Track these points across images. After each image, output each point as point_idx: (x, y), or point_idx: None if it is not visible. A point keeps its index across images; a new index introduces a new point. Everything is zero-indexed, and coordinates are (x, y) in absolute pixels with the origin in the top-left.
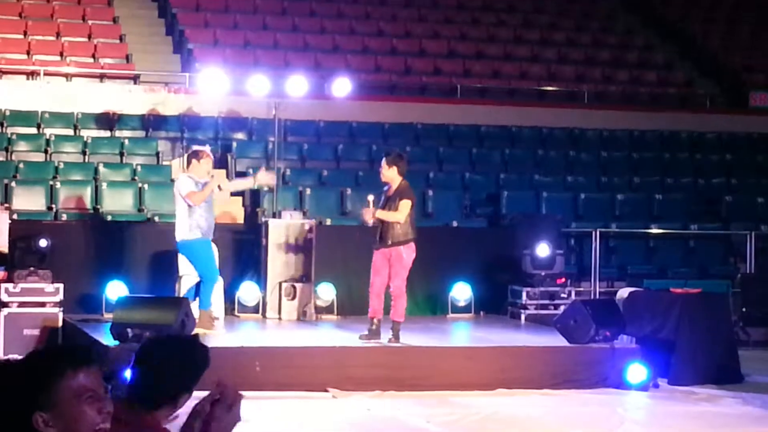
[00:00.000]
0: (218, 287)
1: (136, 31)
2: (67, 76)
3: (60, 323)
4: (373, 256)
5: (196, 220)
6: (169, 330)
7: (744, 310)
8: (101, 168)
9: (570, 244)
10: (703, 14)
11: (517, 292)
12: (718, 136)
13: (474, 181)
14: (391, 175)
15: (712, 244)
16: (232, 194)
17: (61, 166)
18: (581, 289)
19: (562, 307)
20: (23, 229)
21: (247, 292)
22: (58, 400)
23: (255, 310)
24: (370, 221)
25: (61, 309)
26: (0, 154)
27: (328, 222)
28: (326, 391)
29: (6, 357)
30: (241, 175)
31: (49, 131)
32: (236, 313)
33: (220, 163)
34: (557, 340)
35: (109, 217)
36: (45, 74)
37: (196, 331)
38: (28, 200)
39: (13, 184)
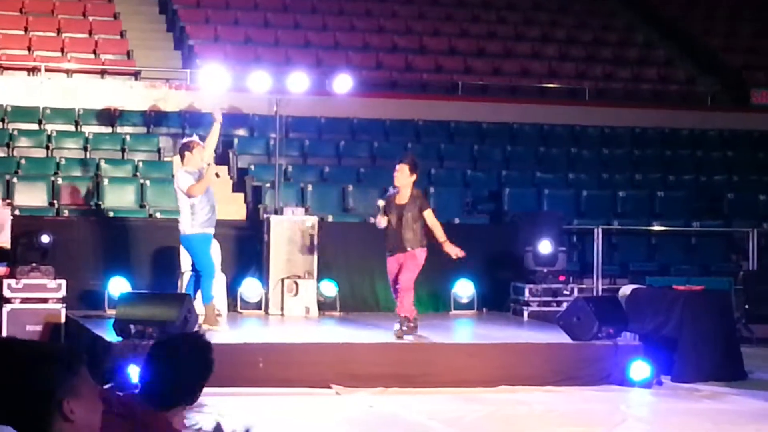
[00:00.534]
0: (220, 283)
1: (136, 27)
2: (68, 72)
3: (63, 319)
4: (389, 263)
5: (197, 215)
6: (173, 326)
7: (746, 307)
8: (102, 164)
9: (572, 241)
10: (704, 11)
11: (519, 289)
12: (719, 134)
13: (475, 178)
14: (408, 181)
15: (714, 242)
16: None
17: (63, 162)
18: (584, 286)
19: (565, 304)
20: (25, 225)
21: (250, 288)
22: (82, 389)
23: (257, 306)
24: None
25: (64, 305)
26: (1, 150)
27: (330, 218)
28: (329, 387)
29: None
30: (243, 172)
31: (50, 127)
32: (239, 309)
33: (221, 159)
34: (560, 337)
35: (111, 213)
36: (46, 70)
37: (202, 327)
38: (30, 196)
39: (15, 180)
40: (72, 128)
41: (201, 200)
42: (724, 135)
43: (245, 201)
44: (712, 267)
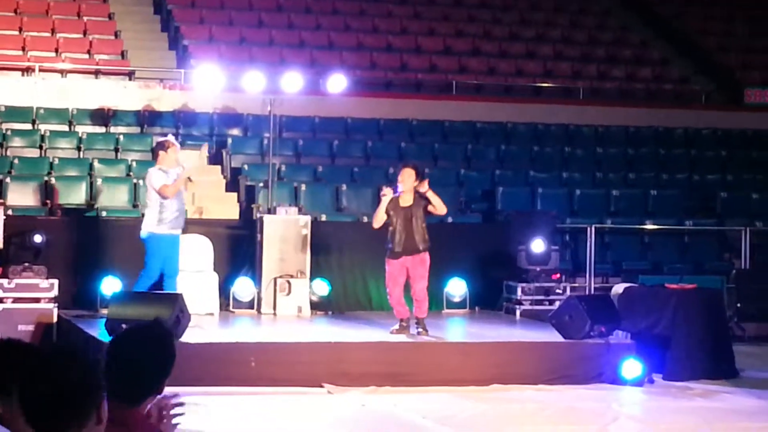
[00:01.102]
0: (212, 282)
1: (131, 27)
2: (62, 72)
3: (55, 319)
4: (392, 267)
5: (165, 215)
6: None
7: (739, 305)
8: (96, 164)
9: (565, 240)
10: (698, 11)
11: (512, 288)
12: (713, 133)
13: (469, 177)
14: (413, 186)
15: (707, 240)
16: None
17: (56, 161)
18: (576, 284)
19: (557, 303)
20: (18, 224)
21: (242, 287)
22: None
23: (250, 305)
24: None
25: (56, 305)
26: None
27: (323, 218)
28: (321, 386)
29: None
30: (236, 171)
31: (43, 127)
32: (231, 308)
33: (215, 159)
34: (552, 336)
35: (104, 213)
36: (40, 70)
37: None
38: (23, 196)
39: (8, 179)
40: (66, 128)
41: (171, 201)
42: (717, 134)
43: (238, 200)
44: (705, 265)
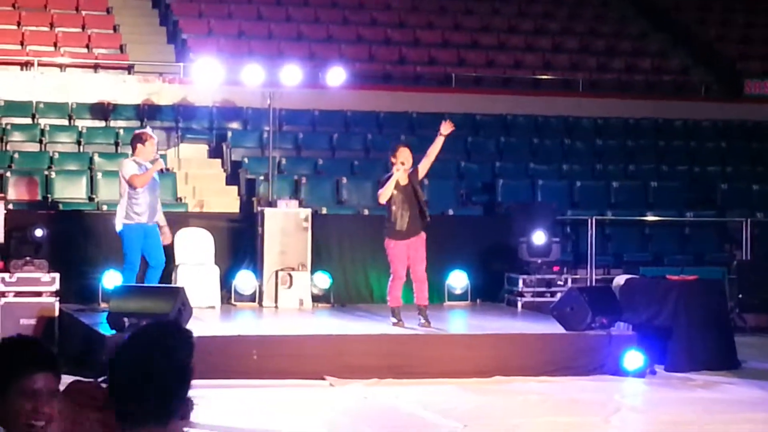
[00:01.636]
0: (214, 275)
1: (130, 21)
2: (61, 67)
3: (56, 313)
4: (396, 247)
5: (133, 206)
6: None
7: (740, 296)
8: (96, 158)
9: (566, 232)
10: (697, 1)
11: (513, 280)
12: (713, 124)
13: (469, 169)
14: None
15: (707, 232)
16: None
17: (56, 156)
18: (577, 276)
19: (559, 295)
20: (19, 219)
21: (244, 280)
22: (7, 392)
23: (251, 298)
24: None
25: (58, 298)
26: None
27: (324, 211)
28: (323, 379)
29: None
30: (237, 165)
31: (43, 121)
32: (233, 301)
33: (215, 152)
34: (554, 328)
35: (105, 207)
36: (39, 65)
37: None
38: (24, 190)
39: (8, 174)
40: (65, 122)
41: (142, 195)
42: (717, 125)
43: (239, 194)
44: (706, 257)
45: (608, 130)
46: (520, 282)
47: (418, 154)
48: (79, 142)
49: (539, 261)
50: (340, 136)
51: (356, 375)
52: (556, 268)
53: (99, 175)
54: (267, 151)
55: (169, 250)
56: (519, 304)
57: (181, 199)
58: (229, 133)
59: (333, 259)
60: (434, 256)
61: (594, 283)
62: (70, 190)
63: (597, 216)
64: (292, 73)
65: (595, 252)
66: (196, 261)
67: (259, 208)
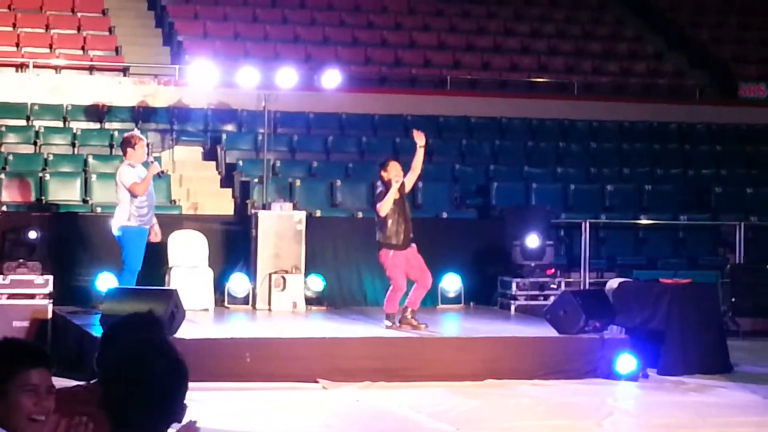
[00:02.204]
0: (207, 278)
1: (125, 23)
2: (57, 68)
3: (50, 315)
4: (396, 257)
5: (135, 209)
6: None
7: (733, 300)
8: (91, 160)
9: (560, 235)
10: (692, 5)
11: (506, 283)
12: (707, 127)
13: (464, 172)
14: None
15: (701, 235)
16: None
17: (51, 158)
18: (571, 279)
19: (552, 298)
20: (12, 221)
21: (237, 283)
22: (7, 389)
23: (245, 301)
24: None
25: (51, 301)
26: None
27: (318, 213)
28: (316, 382)
29: None
30: (231, 167)
31: (38, 123)
32: (226, 304)
33: (209, 155)
34: (547, 331)
35: (99, 209)
36: (34, 66)
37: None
38: (18, 192)
39: (2, 176)
40: (60, 124)
41: (141, 197)
42: (712, 129)
43: (233, 196)
44: (700, 260)
45: (603, 133)
46: (514, 285)
47: (412, 155)
48: (73, 144)
49: (533, 264)
50: (334, 138)
51: (349, 378)
52: (549, 272)
53: (93, 177)
54: (261, 154)
55: (162, 253)
56: (512, 308)
57: (175, 202)
58: (224, 136)
59: (327, 262)
60: (428, 259)
61: (587, 287)
62: (65, 192)
63: (591, 219)
64: (287, 76)
65: (588, 255)
66: (189, 263)
67: (253, 211)
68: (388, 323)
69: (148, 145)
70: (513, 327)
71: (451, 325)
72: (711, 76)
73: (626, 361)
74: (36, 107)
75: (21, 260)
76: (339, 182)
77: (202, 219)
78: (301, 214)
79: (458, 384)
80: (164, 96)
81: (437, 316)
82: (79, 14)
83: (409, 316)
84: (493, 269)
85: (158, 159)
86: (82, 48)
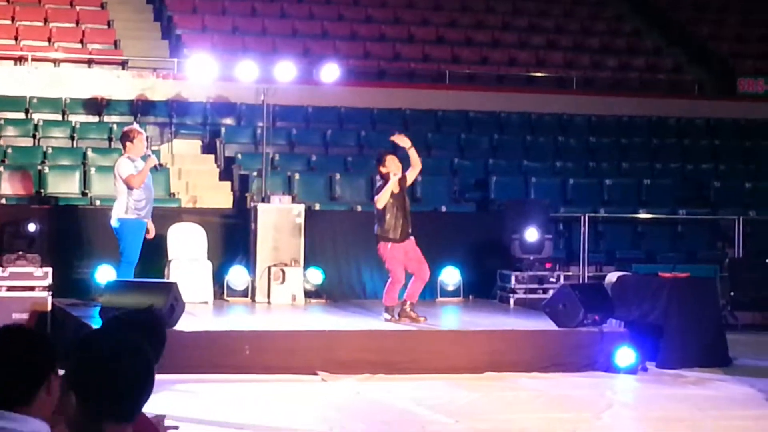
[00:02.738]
0: (207, 271)
1: (124, 16)
2: (55, 62)
3: (49, 307)
4: (394, 249)
5: (133, 201)
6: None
7: (732, 294)
8: (90, 153)
9: (558, 229)
10: (691, 0)
11: (505, 277)
12: (706, 122)
13: (462, 166)
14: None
15: (700, 229)
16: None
17: (50, 151)
18: (570, 273)
19: (551, 292)
20: (12, 213)
21: (237, 276)
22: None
23: (244, 294)
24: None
25: (50, 293)
26: None
27: (317, 207)
28: (315, 374)
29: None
30: (230, 160)
31: (37, 116)
32: (225, 297)
33: (208, 148)
34: (546, 324)
35: (98, 202)
36: (33, 60)
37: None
38: (17, 185)
39: (1, 168)
40: (59, 117)
41: (139, 190)
42: (710, 123)
43: (232, 189)
44: (698, 254)
45: (602, 127)
46: (513, 279)
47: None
48: (72, 137)
49: (532, 258)
50: (333, 132)
51: (348, 370)
52: (548, 265)
53: (92, 170)
54: (260, 147)
55: (162, 245)
56: (511, 301)
57: (174, 195)
58: (223, 129)
59: (326, 254)
60: (427, 252)
61: (586, 280)
62: (64, 185)
63: (590, 213)
64: (286, 69)
65: (587, 249)
66: (189, 256)
67: (253, 204)
68: (387, 316)
69: (147, 138)
70: (512, 320)
71: (451, 318)
72: (710, 71)
73: (625, 355)
74: (35, 100)
75: (20, 252)
76: (338, 176)
77: (201, 212)
78: (300, 208)
79: (457, 377)
80: (163, 89)
81: (436, 309)
82: (77, 7)
83: (408, 309)
84: (492, 263)
85: (157, 152)
86: (81, 41)
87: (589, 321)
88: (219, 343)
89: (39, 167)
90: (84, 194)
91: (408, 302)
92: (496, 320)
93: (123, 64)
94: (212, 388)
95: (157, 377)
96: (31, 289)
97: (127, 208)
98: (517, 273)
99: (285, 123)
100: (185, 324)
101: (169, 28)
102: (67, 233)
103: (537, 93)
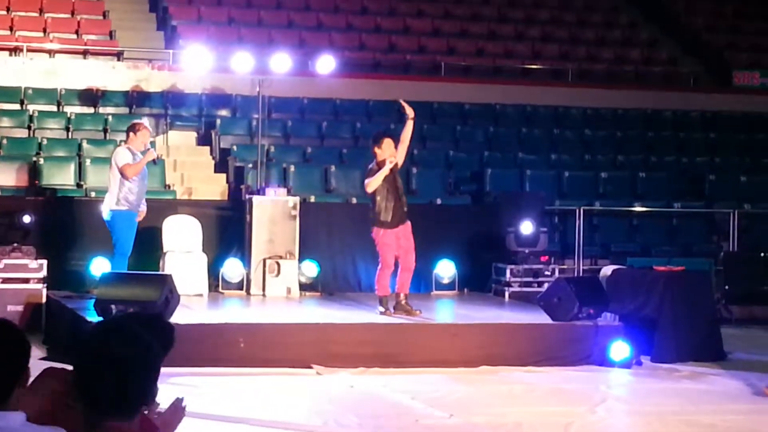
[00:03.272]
0: (201, 263)
1: (119, 7)
2: (51, 53)
3: (44, 299)
4: (386, 236)
5: (125, 193)
6: (154, 306)
7: (726, 288)
8: (85, 144)
9: (554, 222)
10: None
11: (501, 270)
12: (701, 115)
13: (458, 158)
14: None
15: (695, 223)
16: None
17: (45, 142)
18: (565, 266)
19: (546, 285)
20: (6, 205)
21: (231, 268)
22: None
23: (239, 286)
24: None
25: (45, 285)
26: None
27: (312, 199)
28: (310, 367)
29: None
30: (225, 152)
31: (32, 107)
32: (220, 289)
33: (203, 140)
34: (541, 318)
35: (93, 194)
36: (28, 50)
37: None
38: (11, 176)
39: None
40: (54, 108)
41: (132, 183)
42: (706, 116)
43: (227, 181)
44: (693, 248)
45: (597, 120)
46: (508, 272)
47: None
48: (67, 129)
49: (527, 251)
50: (329, 124)
51: (343, 364)
52: (543, 258)
53: (87, 161)
54: (256, 139)
55: (156, 238)
56: (506, 294)
57: (169, 186)
58: (218, 121)
59: (321, 247)
60: (422, 245)
61: (581, 274)
62: (59, 177)
63: (585, 206)
64: (281, 61)
65: (582, 242)
66: (183, 248)
67: (248, 196)
68: (382, 309)
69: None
70: (507, 314)
71: (446, 311)
72: (705, 64)
73: (620, 349)
74: (30, 91)
75: (15, 244)
76: (333, 168)
77: (196, 204)
78: (295, 200)
79: (452, 370)
80: (158, 81)
81: (431, 302)
82: None
83: (403, 302)
84: (487, 256)
85: (152, 144)
86: (76, 32)
87: (584, 315)
88: (214, 336)
89: (34, 158)
90: (79, 186)
91: (401, 295)
92: (491, 314)
93: (118, 55)
94: (206, 381)
95: None
96: (26, 281)
97: (118, 199)
98: (512, 266)
99: (280, 114)
100: (180, 316)
101: (164, 19)
102: (62, 225)
103: (532, 85)
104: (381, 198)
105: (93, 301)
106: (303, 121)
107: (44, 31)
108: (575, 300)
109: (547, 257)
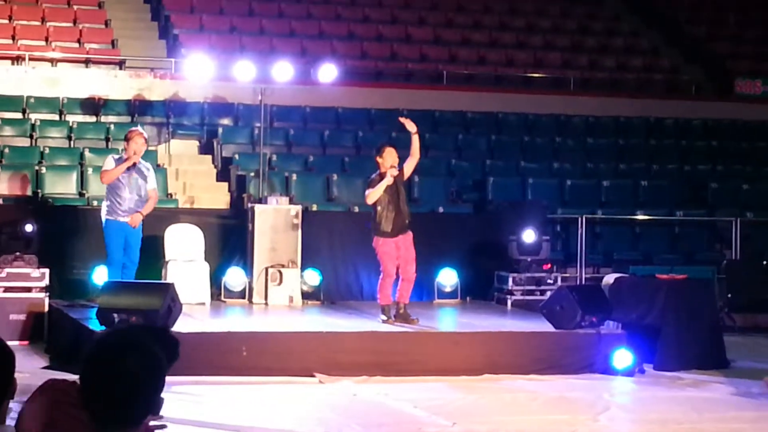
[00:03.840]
0: (204, 272)
1: (121, 16)
2: (53, 61)
3: (46, 308)
4: (386, 245)
5: (113, 202)
6: (156, 315)
7: (729, 296)
8: (87, 153)
9: (556, 231)
10: (688, 0)
11: (503, 278)
12: (703, 123)
13: (460, 167)
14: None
15: (697, 231)
16: None
17: (47, 151)
18: (567, 275)
19: (549, 293)
20: (8, 213)
21: (234, 277)
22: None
23: (241, 295)
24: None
25: (47, 294)
26: None
27: (315, 208)
28: (312, 376)
29: None
30: (227, 161)
31: (34, 116)
32: (223, 298)
33: (205, 148)
34: (543, 326)
35: (95, 203)
36: (30, 59)
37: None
38: (13, 185)
39: None
40: (56, 117)
41: (121, 190)
42: (708, 124)
43: (229, 190)
44: (696, 256)
45: (599, 128)
46: (510, 280)
47: (409, 150)
48: (69, 137)
49: (529, 259)
50: (331, 132)
51: (345, 372)
52: (546, 267)
53: (89, 170)
54: (258, 148)
55: (159, 246)
56: (509, 303)
57: (171, 195)
58: (220, 129)
59: (323, 256)
60: (424, 253)
61: (584, 282)
62: (61, 186)
63: (587, 214)
64: (283, 70)
65: (585, 250)
66: (186, 257)
67: (250, 205)
68: (384, 318)
69: (146, 140)
70: (509, 322)
71: (448, 319)
72: (707, 72)
73: (622, 357)
74: (32, 100)
75: (17, 253)
76: (335, 176)
77: (198, 213)
78: (297, 208)
79: (455, 378)
80: (160, 89)
81: (434, 310)
82: (75, 7)
83: (402, 311)
84: (489, 264)
85: (153, 153)
86: (78, 41)
87: (587, 323)
88: (216, 345)
89: (36, 167)
90: (81, 195)
91: (401, 304)
92: (494, 322)
93: (120, 64)
94: (209, 389)
95: None
96: (28, 290)
97: (108, 209)
98: (515, 274)
99: (282, 123)
100: (182, 325)
101: (166, 27)
102: (64, 234)
103: (534, 94)
104: (382, 208)
105: (95, 310)
106: (305, 129)
107: (46, 39)
108: (578, 308)
109: (549, 265)
